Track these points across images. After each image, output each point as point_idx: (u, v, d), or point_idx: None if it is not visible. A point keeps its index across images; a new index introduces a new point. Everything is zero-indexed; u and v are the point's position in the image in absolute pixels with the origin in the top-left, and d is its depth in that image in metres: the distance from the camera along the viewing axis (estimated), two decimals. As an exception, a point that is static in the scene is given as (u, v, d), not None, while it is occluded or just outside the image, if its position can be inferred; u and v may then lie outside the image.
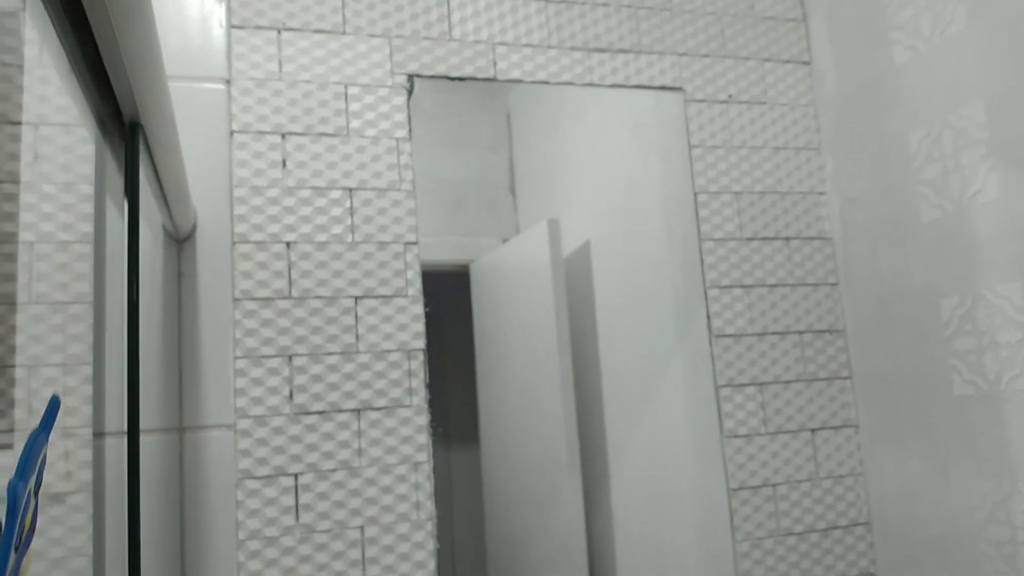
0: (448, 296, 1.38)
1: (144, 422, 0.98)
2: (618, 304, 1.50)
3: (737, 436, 1.21)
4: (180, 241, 1.02)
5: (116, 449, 0.96)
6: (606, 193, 1.54)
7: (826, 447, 1.24)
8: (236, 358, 1.01)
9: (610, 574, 1.53)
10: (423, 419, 1.08)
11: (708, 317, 1.24)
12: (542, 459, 1.62)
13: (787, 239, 1.29)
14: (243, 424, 1.00)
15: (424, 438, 1.07)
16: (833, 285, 1.30)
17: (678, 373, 1.36)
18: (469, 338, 1.73)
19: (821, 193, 1.32)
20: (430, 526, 1.05)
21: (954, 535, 1.11)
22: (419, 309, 1.10)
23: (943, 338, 1.12)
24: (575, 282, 1.59)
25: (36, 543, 0.92)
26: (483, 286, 1.85)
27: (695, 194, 1.27)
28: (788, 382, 1.24)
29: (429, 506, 1.06)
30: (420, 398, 1.08)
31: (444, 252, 1.41)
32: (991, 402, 1.05)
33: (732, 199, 1.27)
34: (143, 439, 0.98)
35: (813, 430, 1.24)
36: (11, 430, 0.96)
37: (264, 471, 1.00)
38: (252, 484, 1.00)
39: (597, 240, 1.58)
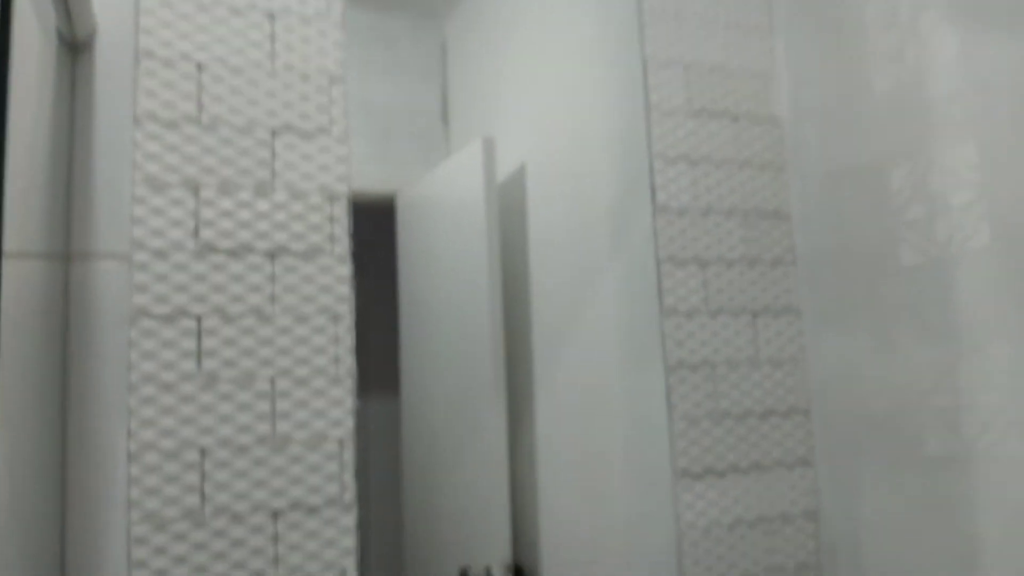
0: (371, 234, 1.26)
1: (18, 244, 0.87)
2: (552, 217, 1.43)
3: (677, 313, 1.15)
4: (76, 49, 0.91)
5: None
6: (544, 112, 1.47)
7: (767, 331, 1.20)
8: (135, 183, 0.90)
9: (531, 489, 1.47)
10: (345, 269, 0.99)
11: (652, 190, 1.18)
12: (466, 388, 1.55)
13: (735, 118, 1.23)
14: (140, 256, 0.89)
15: (346, 289, 0.98)
16: (779, 169, 1.25)
17: (613, 286, 1.30)
18: (391, 281, 1.64)
19: (770, 76, 1.27)
20: (349, 383, 0.97)
21: (897, 410, 1.08)
22: (344, 151, 1.01)
23: (893, 209, 1.08)
24: (508, 206, 1.52)
25: None
26: (410, 216, 1.76)
27: (644, 63, 1.20)
28: (731, 262, 1.20)
29: (348, 361, 0.97)
30: (342, 246, 0.99)
31: (370, 182, 1.30)
32: (941, 267, 1.02)
33: (682, 72, 1.21)
34: (20, 264, 0.86)
35: (755, 313, 1.20)
36: None
37: (163, 309, 0.90)
38: (148, 323, 0.89)
39: (533, 162, 1.51)
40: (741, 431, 1.17)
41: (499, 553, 1.43)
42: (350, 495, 0.95)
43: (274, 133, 0.96)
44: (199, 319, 0.91)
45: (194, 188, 0.92)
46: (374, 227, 1.16)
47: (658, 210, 1.17)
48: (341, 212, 0.99)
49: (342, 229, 0.99)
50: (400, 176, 1.73)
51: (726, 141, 1.22)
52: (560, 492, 1.40)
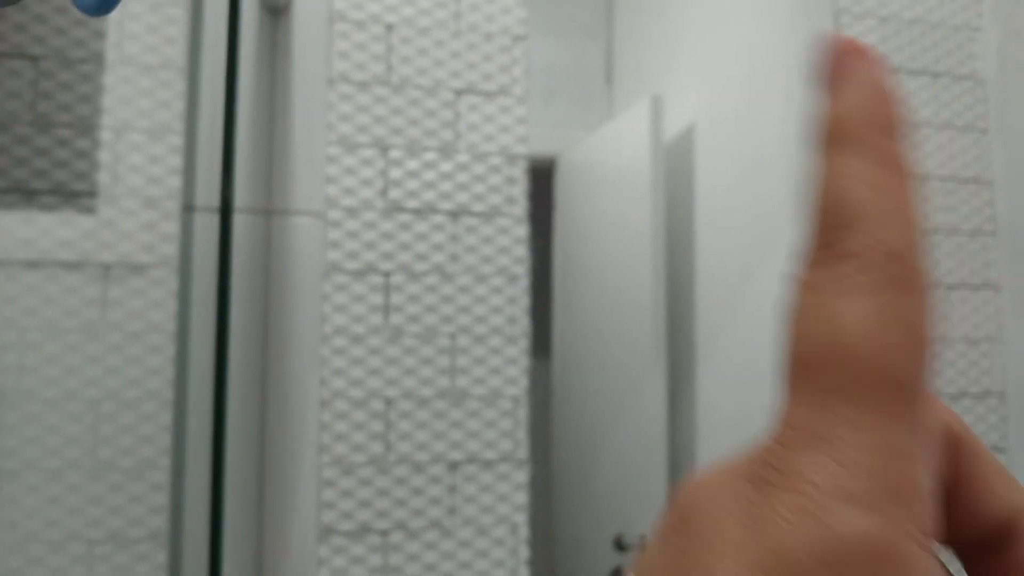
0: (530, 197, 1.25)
1: (235, 199, 0.93)
2: (722, 187, 1.38)
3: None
4: (276, 12, 0.95)
5: (206, 225, 0.91)
6: (717, 69, 1.40)
7: (962, 307, 1.12)
8: (329, 143, 0.94)
9: (689, 458, 1.44)
10: (522, 230, 0.99)
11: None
12: (624, 354, 1.53)
13: (935, 76, 1.14)
14: (333, 214, 0.94)
15: (522, 251, 0.99)
16: (982, 132, 1.15)
17: (791, 248, 1.24)
18: (546, 244, 1.61)
19: (976, 29, 1.16)
20: (524, 343, 0.98)
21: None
22: (523, 111, 1.01)
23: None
24: (675, 168, 1.47)
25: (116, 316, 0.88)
26: (571, 179, 1.74)
27: (835, 15, 1.13)
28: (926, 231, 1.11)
29: (524, 321, 0.98)
30: (520, 208, 0.99)
31: (531, 144, 1.29)
32: None
33: (877, 25, 1.13)
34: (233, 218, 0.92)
35: (950, 287, 1.11)
36: (94, 193, 0.92)
37: (354, 265, 0.94)
38: (340, 278, 0.93)
39: (703, 121, 1.45)
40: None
41: (655, 522, 1.43)
42: (523, 452, 0.96)
43: (458, 94, 0.98)
44: (387, 275, 0.94)
45: (383, 148, 0.95)
46: (532, 190, 1.16)
47: (845, 175, 1.10)
48: (520, 174, 1.00)
49: (520, 191, 1.00)
50: (562, 138, 1.72)
51: (924, 101, 1.13)
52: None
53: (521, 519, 0.96)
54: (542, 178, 1.60)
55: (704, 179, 1.42)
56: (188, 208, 0.89)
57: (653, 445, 1.43)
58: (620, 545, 1.37)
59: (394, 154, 0.95)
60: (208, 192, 0.90)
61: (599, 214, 1.62)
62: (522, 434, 0.97)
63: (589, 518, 1.54)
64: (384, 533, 0.92)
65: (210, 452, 0.86)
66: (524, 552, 0.95)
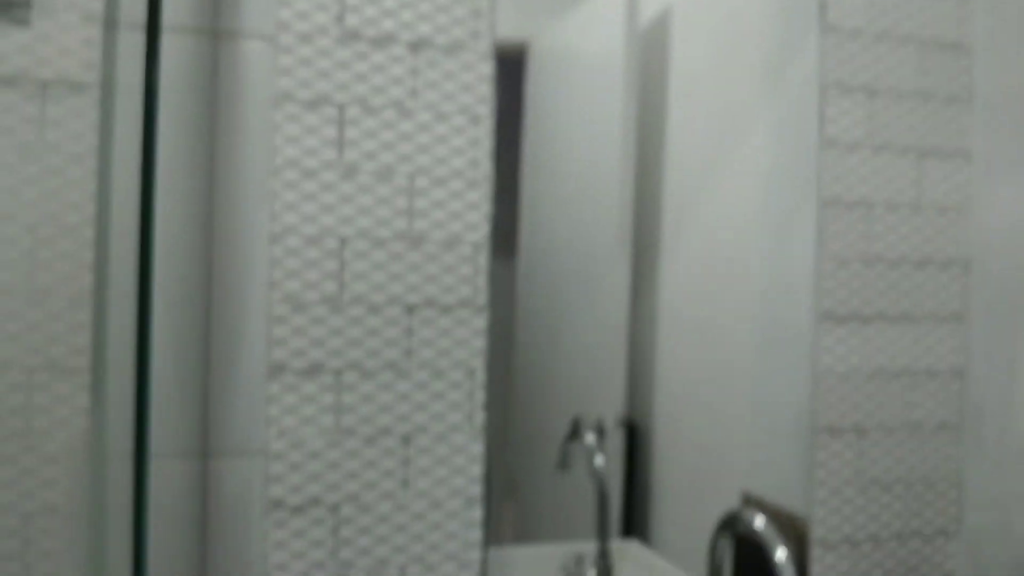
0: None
1: (171, 17, 0.87)
2: (696, 73, 1.33)
3: (837, 145, 1.06)
4: None
5: (135, 45, 0.85)
6: None
7: (933, 174, 1.10)
8: None
9: (649, 360, 1.44)
10: (487, 67, 0.94)
11: (821, 7, 1.06)
12: (589, 249, 1.50)
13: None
14: (285, 39, 0.87)
15: (486, 89, 0.94)
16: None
17: (766, 119, 1.20)
18: (515, 139, 1.56)
19: None
20: (486, 188, 0.94)
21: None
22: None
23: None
24: (649, 57, 1.42)
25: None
26: (541, 68, 1.67)
27: None
28: (902, 95, 1.08)
29: (486, 165, 0.94)
30: (486, 43, 0.94)
31: (501, 29, 1.21)
32: None
33: None
34: (174, 38, 0.86)
35: (922, 153, 1.09)
36: (28, 4, 0.85)
37: (306, 95, 0.88)
38: (292, 108, 0.88)
39: (681, 4, 1.39)
40: (893, 278, 1.09)
41: (612, 407, 1.43)
42: (483, 298, 0.94)
43: (422, -84, 0.91)
44: (341, 108, 0.89)
45: None
46: (502, 82, 1.10)
47: (827, 29, 1.06)
48: (485, 5, 0.94)
49: (486, 25, 0.94)
50: (533, 23, 1.65)
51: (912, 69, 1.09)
52: (680, 351, 1.36)
53: (479, 364, 0.94)
54: (513, 70, 1.54)
55: (679, 66, 1.37)
56: (111, 24, 0.82)
57: (614, 336, 1.42)
58: (576, 426, 1.37)
59: (352, -23, 0.89)
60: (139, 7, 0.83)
61: (570, 105, 1.56)
62: (482, 280, 0.94)
63: (547, 403, 1.54)
64: (337, 372, 0.89)
65: (136, 282, 0.82)
66: (480, 396, 0.94)
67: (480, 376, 0.94)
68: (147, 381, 0.80)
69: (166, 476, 0.86)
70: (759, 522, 0.76)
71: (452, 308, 0.93)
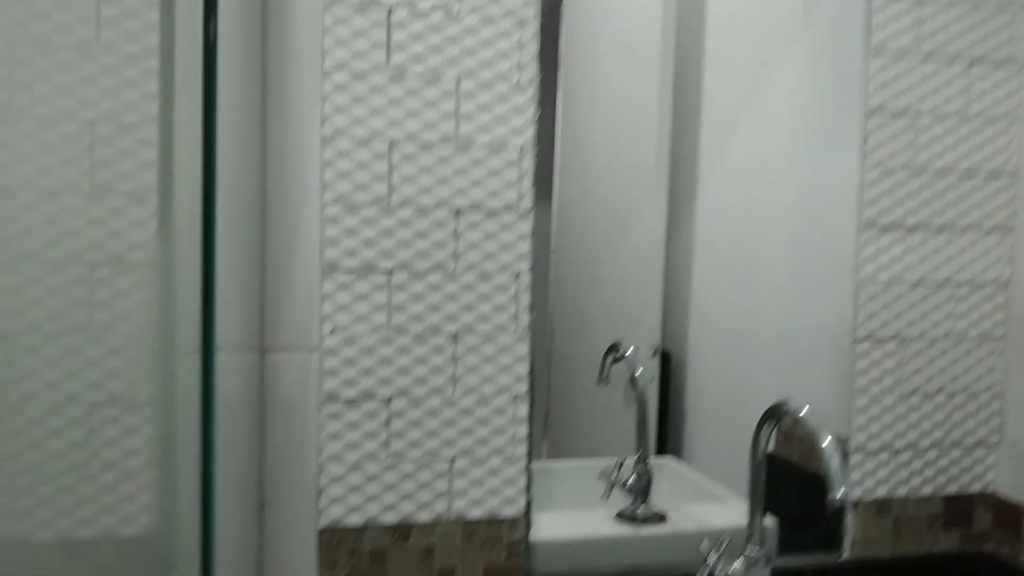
0: None
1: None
2: None
3: (884, 52, 1.05)
4: None
5: None
6: None
7: (982, 83, 1.08)
8: None
9: (685, 289, 1.45)
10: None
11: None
12: (627, 178, 1.50)
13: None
14: None
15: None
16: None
17: (810, 31, 1.19)
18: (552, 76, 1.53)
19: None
20: (531, 91, 0.95)
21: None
22: None
23: None
24: None
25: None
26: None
27: None
28: (951, 2, 1.07)
29: (532, 69, 0.95)
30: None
31: None
32: None
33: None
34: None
35: (971, 61, 1.08)
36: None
37: (355, -2, 0.90)
38: (341, 10, 0.89)
39: None
40: (938, 187, 1.08)
41: (647, 335, 1.44)
42: (528, 202, 0.95)
43: None
44: (389, 10, 0.90)
45: None
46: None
47: (874, -66, 1.05)
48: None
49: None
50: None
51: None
52: (716, 279, 1.37)
53: (524, 267, 0.95)
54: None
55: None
56: None
57: (650, 265, 1.43)
58: (615, 348, 1.39)
59: None
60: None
61: (607, 39, 1.55)
62: (527, 184, 0.95)
63: (585, 334, 1.55)
64: (388, 272, 0.92)
65: (201, 183, 0.84)
66: (526, 298, 0.96)
67: (525, 279, 0.96)
68: (212, 276, 0.83)
69: (224, 369, 0.89)
70: (805, 411, 0.77)
71: (498, 212, 0.94)
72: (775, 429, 0.85)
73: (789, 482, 1.16)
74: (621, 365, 1.25)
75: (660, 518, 1.11)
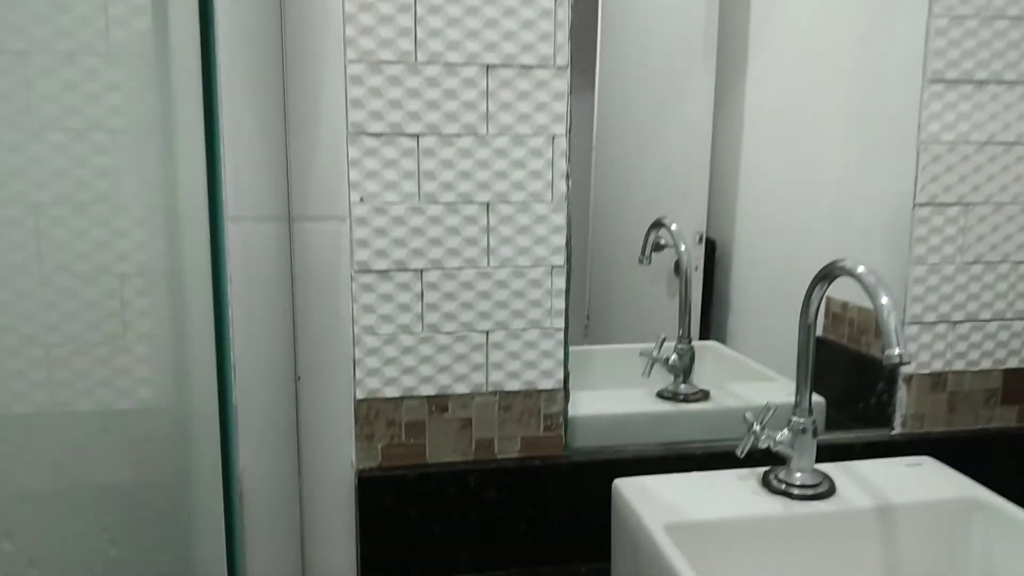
0: None
1: None
2: None
3: None
4: None
5: None
6: None
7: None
8: None
9: (733, 173, 1.37)
10: None
11: None
12: (672, 52, 1.41)
13: None
14: None
15: None
16: None
17: None
18: None
19: None
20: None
21: None
22: None
23: None
24: None
25: None
26: None
27: None
28: None
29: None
30: None
31: None
32: None
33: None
34: None
35: None
36: None
37: None
38: None
39: None
40: (1014, 37, 0.99)
41: (692, 221, 1.38)
42: (563, 58, 0.89)
43: None
44: None
45: None
46: None
47: None
48: None
49: None
50: None
51: None
52: (765, 160, 1.29)
53: (560, 130, 0.90)
54: None
55: None
56: None
57: (697, 147, 1.35)
58: (657, 225, 1.33)
59: None
60: None
61: None
62: (563, 37, 0.89)
63: (627, 212, 1.50)
64: (416, 137, 0.87)
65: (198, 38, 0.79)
66: (563, 165, 0.91)
67: (562, 143, 0.90)
68: (216, 143, 0.79)
69: (251, 240, 0.87)
70: (862, 268, 0.72)
71: (531, 68, 0.88)
72: (827, 290, 0.80)
73: (839, 363, 1.12)
74: (664, 251, 1.21)
75: (703, 395, 1.08)
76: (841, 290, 1.12)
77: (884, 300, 0.69)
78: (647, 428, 1.04)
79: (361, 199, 0.87)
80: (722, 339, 1.34)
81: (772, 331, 1.24)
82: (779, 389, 1.09)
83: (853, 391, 1.11)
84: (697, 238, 1.34)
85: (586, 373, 1.10)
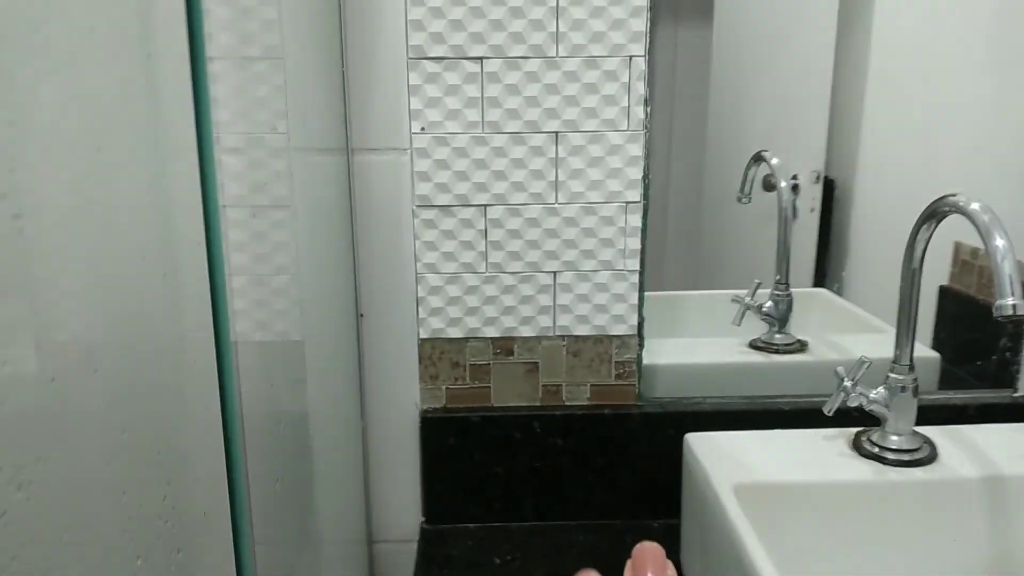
0: None
1: None
2: None
3: None
4: None
5: None
6: None
7: None
8: None
9: (857, 108, 1.23)
10: None
11: None
12: None
13: None
14: None
15: None
16: None
17: None
18: None
19: None
20: None
21: None
22: None
23: None
24: None
25: None
26: None
27: None
28: None
29: None
30: None
31: None
32: None
33: None
34: None
35: None
36: None
37: None
38: None
39: None
40: None
41: (809, 159, 1.26)
42: (643, -30, 0.80)
43: None
44: None
45: None
46: None
47: None
48: None
49: None
50: None
51: None
52: (893, 92, 1.15)
53: (637, 50, 0.82)
54: None
55: None
56: None
57: (818, 74, 1.22)
58: (758, 160, 1.22)
59: None
60: None
61: None
62: (642, -52, 0.80)
63: (740, 157, 1.39)
64: (480, 60, 0.81)
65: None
66: (641, 89, 0.82)
67: (639, 65, 0.82)
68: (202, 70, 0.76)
69: (309, 173, 0.84)
70: (975, 204, 0.61)
71: (607, -17, 0.80)
72: (935, 230, 0.69)
73: (965, 316, 1.00)
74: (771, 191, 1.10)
75: (800, 347, 0.99)
76: (973, 235, 0.98)
77: (998, 242, 0.58)
78: (733, 380, 0.97)
79: (423, 128, 0.83)
80: (838, 287, 1.23)
81: (893, 279, 1.12)
82: (889, 342, 0.99)
83: (976, 347, 0.99)
84: (814, 177, 1.22)
85: (676, 320, 1.03)
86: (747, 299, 1.02)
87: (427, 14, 0.80)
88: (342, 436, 0.89)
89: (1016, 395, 0.91)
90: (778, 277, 1.04)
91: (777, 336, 1.00)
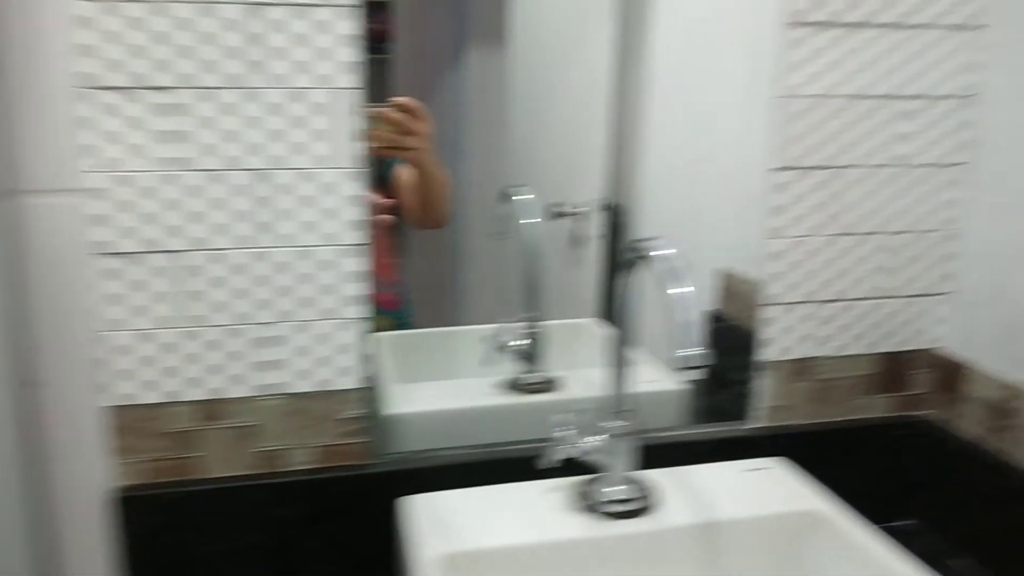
0: None
1: None
2: None
3: None
4: None
5: None
6: None
7: None
8: None
9: (635, 133, 1.24)
10: None
11: None
12: (573, 15, 1.26)
13: None
14: None
15: None
16: None
17: None
18: None
19: None
20: None
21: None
22: None
23: None
24: None
25: None
26: None
27: None
28: None
29: None
30: None
31: None
32: None
33: None
34: None
35: None
36: None
37: None
38: None
39: None
40: (885, -24, 0.86)
41: (596, 190, 1.26)
42: (347, -4, 0.74)
43: None
44: None
45: None
46: None
47: None
48: None
49: None
50: None
51: None
52: (664, 130, 1.17)
53: (350, 82, 0.75)
54: None
55: None
56: None
57: (597, 103, 1.22)
58: (505, 197, 1.20)
59: None
60: None
61: None
62: (345, -28, 0.74)
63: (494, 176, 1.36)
64: (160, 89, 0.72)
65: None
66: (353, 124, 0.76)
67: (354, 98, 0.75)
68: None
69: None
70: (658, 252, 0.59)
71: (309, 7, 0.73)
72: (637, 271, 0.67)
73: (725, 344, 1.01)
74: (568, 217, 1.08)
75: (549, 385, 0.96)
76: (740, 263, 1.00)
77: (675, 291, 0.56)
78: (481, 425, 0.92)
79: (93, 166, 0.72)
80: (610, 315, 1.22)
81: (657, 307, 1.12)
82: (652, 373, 0.97)
83: (722, 378, 1.00)
84: (599, 205, 1.21)
85: (432, 362, 0.98)
86: (494, 337, 0.98)
87: (100, 39, 0.70)
88: (15, 528, 0.75)
89: (750, 427, 0.92)
90: (530, 313, 1.01)
91: (527, 374, 0.97)
